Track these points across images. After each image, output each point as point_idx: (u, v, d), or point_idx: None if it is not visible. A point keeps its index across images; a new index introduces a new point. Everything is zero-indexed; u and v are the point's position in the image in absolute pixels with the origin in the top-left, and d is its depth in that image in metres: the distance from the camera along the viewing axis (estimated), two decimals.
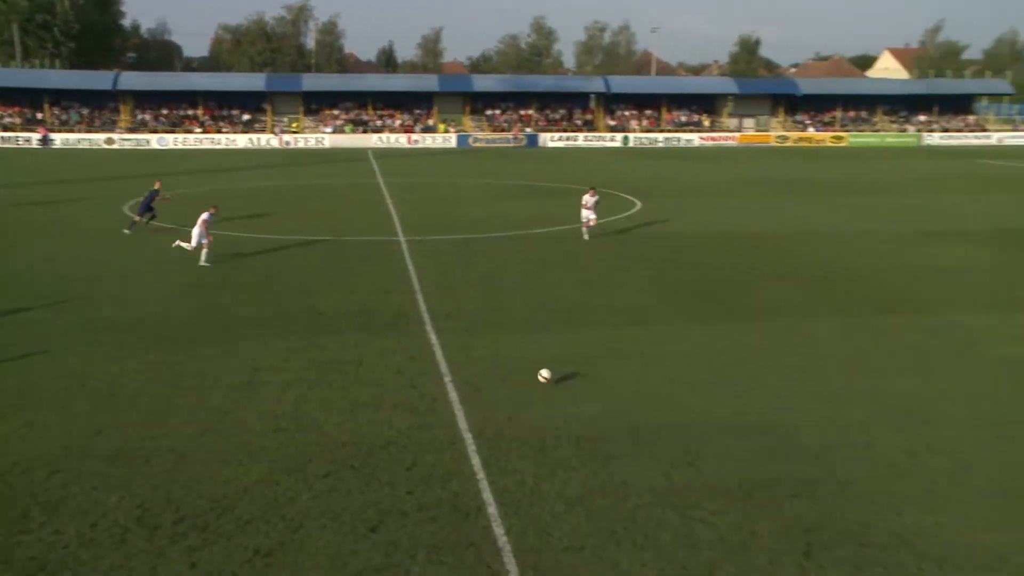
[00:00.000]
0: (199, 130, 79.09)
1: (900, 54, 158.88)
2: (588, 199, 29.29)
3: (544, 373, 15.34)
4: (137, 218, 30.72)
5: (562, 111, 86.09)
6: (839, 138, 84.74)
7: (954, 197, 43.37)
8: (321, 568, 9.69)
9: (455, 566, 9.73)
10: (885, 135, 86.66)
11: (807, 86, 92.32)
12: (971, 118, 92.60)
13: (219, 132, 78.77)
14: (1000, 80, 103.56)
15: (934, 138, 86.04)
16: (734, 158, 67.54)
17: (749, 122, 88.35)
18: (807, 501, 11.28)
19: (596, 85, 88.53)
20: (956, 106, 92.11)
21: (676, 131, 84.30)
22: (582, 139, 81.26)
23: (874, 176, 53.74)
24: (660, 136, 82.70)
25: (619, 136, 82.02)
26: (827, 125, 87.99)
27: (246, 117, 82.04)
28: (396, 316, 20.00)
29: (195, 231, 25.17)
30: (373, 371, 16.20)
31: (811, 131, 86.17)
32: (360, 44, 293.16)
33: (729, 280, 24.01)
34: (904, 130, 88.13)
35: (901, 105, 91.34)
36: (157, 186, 31.21)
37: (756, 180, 50.69)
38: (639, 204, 39.12)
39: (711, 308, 21.06)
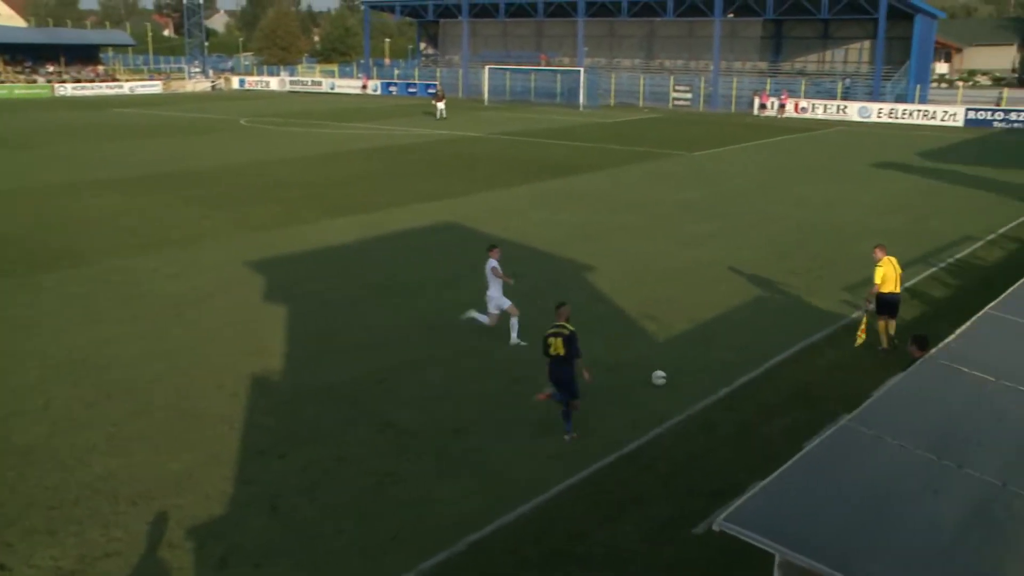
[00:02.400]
0: None
1: (12, 1, 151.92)
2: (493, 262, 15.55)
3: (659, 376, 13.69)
4: None
5: None
6: None
7: (97, 146, 43.48)
8: None
9: None
10: (14, 87, 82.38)
11: None
12: (100, 68, 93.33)
13: None
14: (121, 31, 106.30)
15: (67, 89, 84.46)
16: None
17: None
18: None
19: None
20: (84, 56, 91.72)
21: None
22: None
23: (10, 130, 50.88)
24: None
25: None
26: None
27: None
28: None
29: None
30: None
31: None
32: None
33: None
34: (34, 81, 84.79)
35: (25, 55, 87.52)
36: None
37: None
38: None
39: None
